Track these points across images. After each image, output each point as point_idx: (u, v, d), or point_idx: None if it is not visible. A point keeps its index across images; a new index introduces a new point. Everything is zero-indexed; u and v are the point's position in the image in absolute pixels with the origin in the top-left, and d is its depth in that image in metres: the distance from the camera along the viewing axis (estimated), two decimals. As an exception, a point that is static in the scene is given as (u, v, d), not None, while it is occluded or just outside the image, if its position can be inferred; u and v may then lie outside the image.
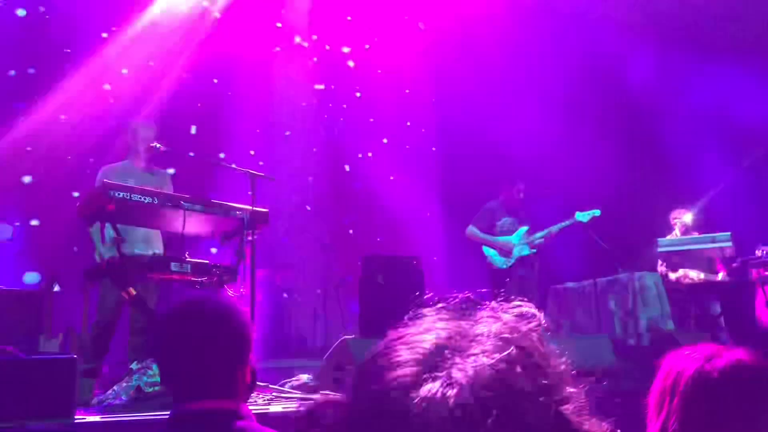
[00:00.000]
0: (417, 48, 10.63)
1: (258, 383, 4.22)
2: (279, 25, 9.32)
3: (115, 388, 3.77)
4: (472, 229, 6.24)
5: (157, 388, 3.56)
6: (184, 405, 1.55)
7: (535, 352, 0.64)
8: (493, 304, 0.75)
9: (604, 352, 5.11)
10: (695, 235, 7.01)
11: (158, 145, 4.99)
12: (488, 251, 6.13)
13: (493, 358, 0.61)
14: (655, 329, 5.96)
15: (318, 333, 7.86)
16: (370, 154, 9.69)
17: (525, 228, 6.13)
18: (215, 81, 8.74)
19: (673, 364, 1.27)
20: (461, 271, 9.77)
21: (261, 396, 4.15)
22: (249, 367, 1.63)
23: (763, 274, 6.73)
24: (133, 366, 3.91)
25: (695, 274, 6.95)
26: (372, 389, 0.63)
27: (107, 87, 7.71)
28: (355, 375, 0.68)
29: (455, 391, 0.59)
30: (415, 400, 0.59)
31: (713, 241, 6.78)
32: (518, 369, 0.61)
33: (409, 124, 10.45)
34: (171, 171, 5.77)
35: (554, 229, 6.03)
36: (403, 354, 0.65)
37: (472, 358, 0.61)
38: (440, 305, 0.74)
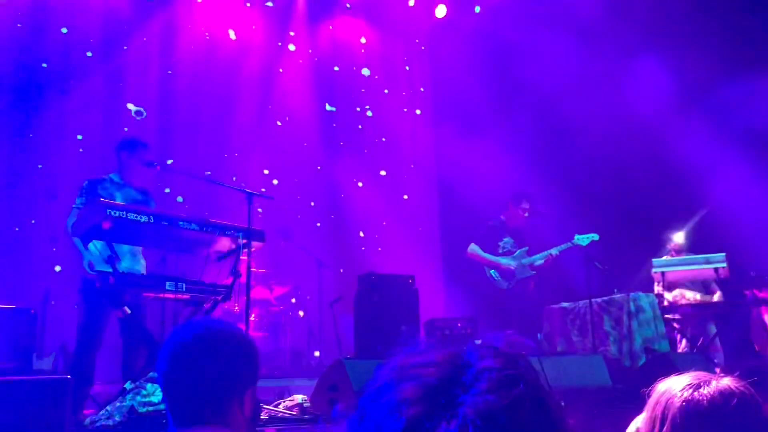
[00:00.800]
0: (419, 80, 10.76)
1: (261, 411, 4.23)
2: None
3: (108, 408, 3.74)
4: (474, 248, 6.20)
5: (150, 408, 3.54)
6: (179, 429, 1.55)
7: (541, 388, 0.66)
8: (491, 334, 0.77)
9: (599, 373, 5.11)
10: (688, 255, 7.03)
11: (154, 164, 5.00)
12: (489, 271, 6.11)
13: (501, 396, 0.63)
14: (650, 350, 5.96)
15: (312, 352, 7.83)
16: (360, 184, 9.74)
17: (525, 249, 6.13)
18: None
19: (662, 391, 1.28)
20: (458, 290, 9.79)
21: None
22: (252, 397, 1.63)
23: (757, 295, 6.75)
24: (127, 386, 3.89)
25: (691, 295, 6.96)
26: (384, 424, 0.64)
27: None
28: (360, 409, 0.69)
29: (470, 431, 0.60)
30: None
31: (708, 262, 6.79)
32: (527, 405, 0.63)
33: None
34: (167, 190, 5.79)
35: (554, 251, 6.02)
36: (410, 390, 0.66)
37: (480, 396, 0.63)
38: (439, 334, 0.76)
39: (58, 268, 7.23)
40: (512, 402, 0.63)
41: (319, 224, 9.44)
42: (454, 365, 0.67)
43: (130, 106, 6.29)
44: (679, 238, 7.39)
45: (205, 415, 1.53)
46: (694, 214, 7.21)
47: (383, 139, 10.37)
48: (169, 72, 8.66)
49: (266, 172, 9.01)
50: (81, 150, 7.75)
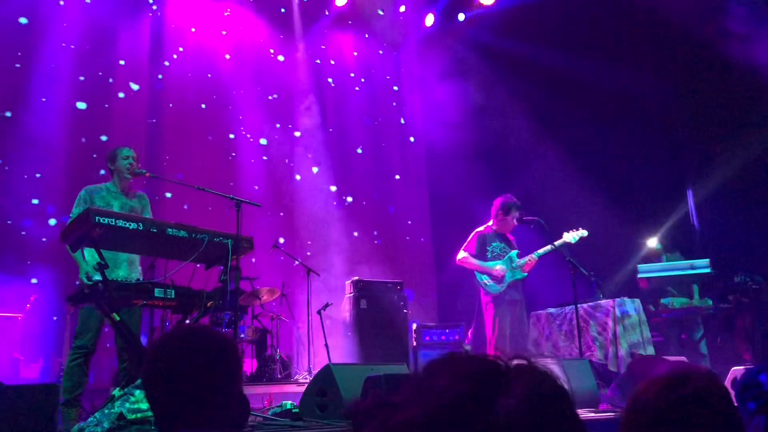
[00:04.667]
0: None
1: (250, 413, 4.24)
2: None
3: (96, 414, 3.74)
4: (464, 256, 6.22)
5: (139, 415, 3.55)
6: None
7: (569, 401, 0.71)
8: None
9: (585, 377, 5.15)
10: (665, 260, 7.13)
11: (145, 172, 5.02)
12: (480, 277, 6.12)
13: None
14: (636, 355, 6.02)
15: (302, 358, 7.84)
16: (350, 199, 9.77)
17: (516, 252, 6.16)
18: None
19: (639, 392, 1.32)
20: (449, 296, 9.85)
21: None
22: (238, 398, 1.66)
23: (741, 300, 6.84)
24: (115, 392, 3.89)
25: (678, 301, 7.04)
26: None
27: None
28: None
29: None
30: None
31: (692, 268, 6.89)
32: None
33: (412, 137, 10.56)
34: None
35: (542, 252, 6.06)
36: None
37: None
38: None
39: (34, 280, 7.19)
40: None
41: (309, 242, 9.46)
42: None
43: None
44: (652, 242, 7.49)
45: (190, 417, 1.55)
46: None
47: (381, 143, 10.43)
48: (160, 77, 8.67)
49: (256, 187, 9.03)
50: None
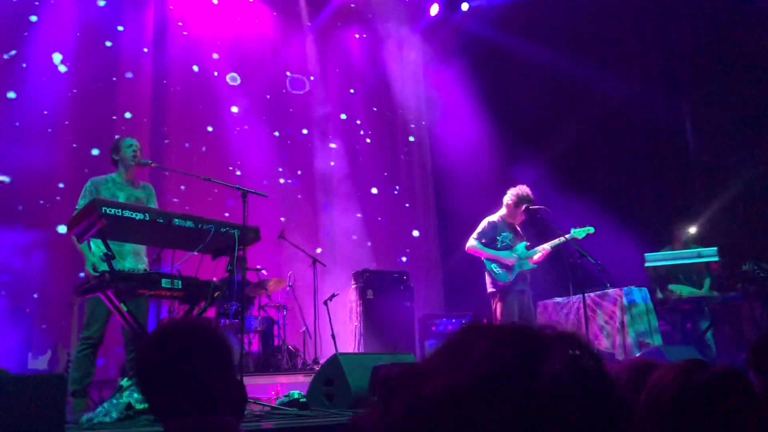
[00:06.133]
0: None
1: (248, 399, 4.24)
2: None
3: (105, 405, 3.76)
4: (473, 243, 6.19)
5: (147, 405, 3.55)
6: (170, 423, 1.58)
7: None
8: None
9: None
10: (692, 249, 7.07)
11: (150, 162, 5.02)
12: (490, 266, 6.09)
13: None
14: (644, 344, 6.00)
15: (308, 348, 7.85)
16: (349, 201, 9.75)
17: (525, 243, 6.13)
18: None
19: (654, 381, 1.30)
20: (454, 286, 9.84)
21: (251, 412, 4.16)
22: (234, 383, 1.67)
23: (749, 288, 6.80)
24: (124, 383, 3.90)
25: (686, 290, 7.00)
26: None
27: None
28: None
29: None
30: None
31: (699, 256, 6.85)
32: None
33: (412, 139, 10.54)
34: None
35: (553, 243, 6.03)
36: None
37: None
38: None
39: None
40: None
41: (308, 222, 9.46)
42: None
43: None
44: (691, 230, 7.45)
45: (187, 406, 1.56)
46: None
47: (383, 137, 10.40)
48: (164, 82, 8.65)
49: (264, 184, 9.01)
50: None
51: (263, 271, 7.68)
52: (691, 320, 7.01)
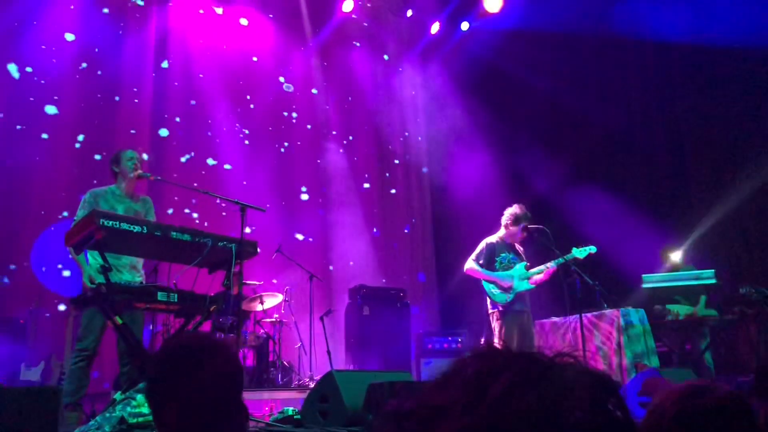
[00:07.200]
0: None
1: (250, 417, 4.21)
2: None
3: (97, 418, 3.72)
4: (472, 264, 6.17)
5: (141, 419, 3.52)
6: None
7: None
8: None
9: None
10: (685, 270, 7.08)
11: (149, 175, 5.02)
12: (488, 287, 6.07)
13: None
14: (641, 366, 5.97)
15: (303, 364, 7.81)
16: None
17: (524, 263, 6.11)
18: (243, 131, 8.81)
19: (656, 403, 1.30)
20: (451, 304, 9.82)
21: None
22: (238, 405, 1.64)
23: (746, 311, 6.79)
24: (117, 396, 3.86)
25: (684, 309, 6.99)
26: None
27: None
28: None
29: None
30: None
31: (697, 278, 6.85)
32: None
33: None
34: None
35: (552, 264, 6.00)
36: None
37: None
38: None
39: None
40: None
41: (311, 239, 9.44)
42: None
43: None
44: (675, 256, 7.45)
45: (192, 425, 1.54)
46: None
47: (380, 152, 10.43)
48: (164, 66, 8.68)
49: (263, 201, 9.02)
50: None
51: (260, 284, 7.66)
52: (689, 341, 6.99)
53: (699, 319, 6.89)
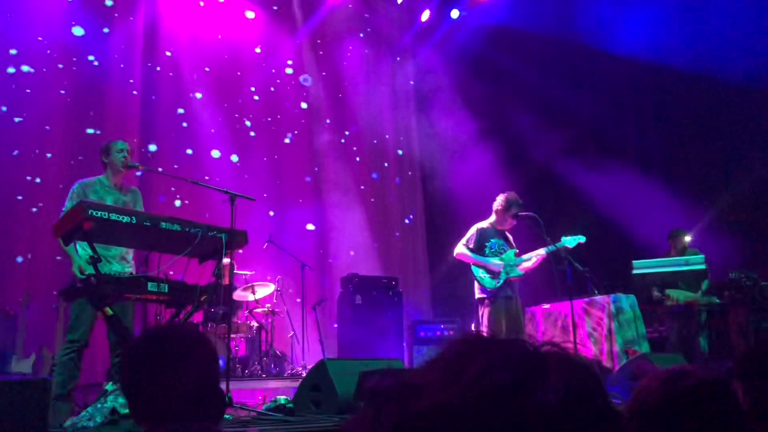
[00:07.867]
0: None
1: (233, 405, 4.22)
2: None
3: (89, 409, 3.72)
4: (461, 249, 6.17)
5: (129, 410, 3.51)
6: (151, 429, 1.57)
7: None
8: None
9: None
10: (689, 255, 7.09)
11: (138, 165, 4.99)
12: (477, 272, 6.08)
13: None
14: (631, 351, 6.01)
15: (296, 353, 7.82)
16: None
17: (514, 250, 6.12)
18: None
19: (641, 387, 1.31)
20: (442, 291, 9.84)
21: (237, 417, 4.13)
22: (213, 390, 1.66)
23: (736, 296, 6.84)
24: (108, 387, 3.86)
25: (684, 295, 7.00)
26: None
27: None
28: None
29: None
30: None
31: (687, 264, 6.88)
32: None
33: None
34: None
35: (542, 251, 6.01)
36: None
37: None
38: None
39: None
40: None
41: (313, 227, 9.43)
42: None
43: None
44: (688, 237, 7.48)
45: (169, 412, 1.55)
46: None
47: (374, 141, 10.40)
48: (158, 68, 8.62)
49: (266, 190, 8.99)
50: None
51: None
52: (686, 326, 7.02)
53: (700, 305, 6.92)
